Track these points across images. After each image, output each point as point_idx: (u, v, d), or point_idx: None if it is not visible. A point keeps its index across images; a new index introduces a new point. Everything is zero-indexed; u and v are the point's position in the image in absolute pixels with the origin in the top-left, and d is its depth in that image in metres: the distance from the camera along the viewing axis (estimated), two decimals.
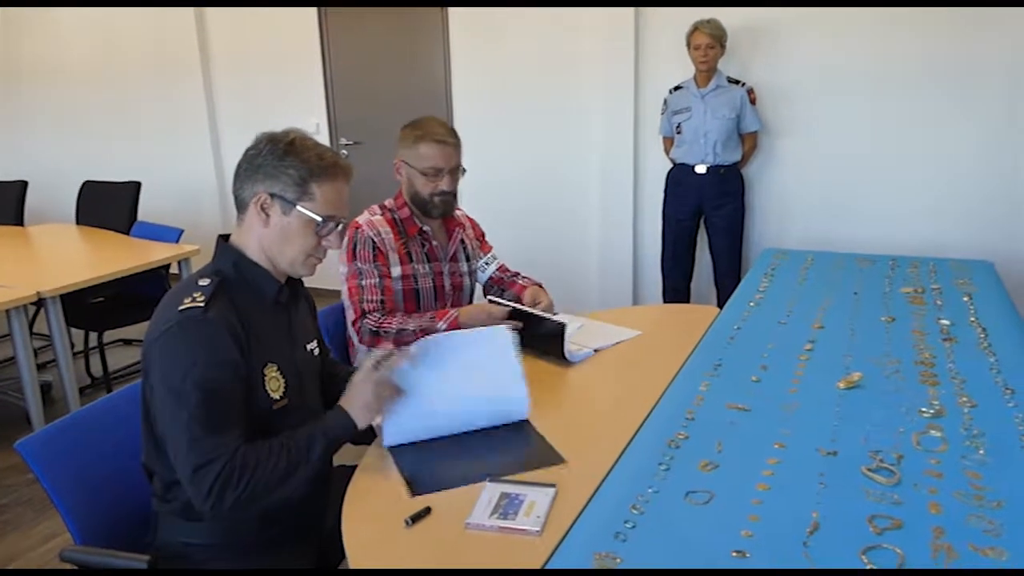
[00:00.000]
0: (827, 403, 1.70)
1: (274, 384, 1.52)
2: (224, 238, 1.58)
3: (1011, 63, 3.54)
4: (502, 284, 2.53)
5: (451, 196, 2.28)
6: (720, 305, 4.03)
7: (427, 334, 2.08)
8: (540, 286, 2.45)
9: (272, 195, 1.49)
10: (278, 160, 1.48)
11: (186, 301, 1.41)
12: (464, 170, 2.31)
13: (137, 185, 4.44)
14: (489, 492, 1.42)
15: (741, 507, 1.32)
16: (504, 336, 1.77)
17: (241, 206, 1.53)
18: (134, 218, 4.37)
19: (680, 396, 1.78)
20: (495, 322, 2.10)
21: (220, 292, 1.45)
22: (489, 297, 2.32)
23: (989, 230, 3.71)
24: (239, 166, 1.53)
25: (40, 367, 3.97)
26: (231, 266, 1.52)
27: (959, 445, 1.48)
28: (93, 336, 4.14)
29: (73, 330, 4.08)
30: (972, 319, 2.19)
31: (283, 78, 5.31)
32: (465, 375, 1.69)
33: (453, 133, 2.26)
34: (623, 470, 1.48)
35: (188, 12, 5.42)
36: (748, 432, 1.59)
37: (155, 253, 3.72)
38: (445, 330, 2.09)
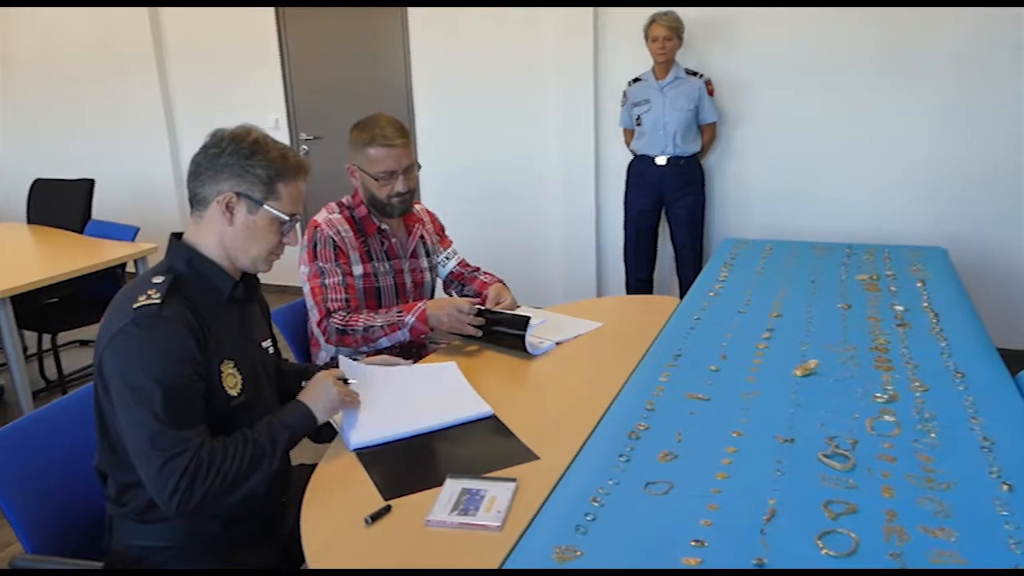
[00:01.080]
0: (784, 391, 1.72)
1: (231, 380, 1.50)
2: (177, 236, 1.55)
3: (959, 53, 3.61)
4: (462, 279, 2.51)
5: (408, 195, 2.24)
6: (682, 295, 4.10)
7: (396, 329, 2.08)
8: (502, 283, 2.45)
9: (239, 194, 1.48)
10: (244, 159, 1.47)
11: (140, 299, 1.39)
12: (419, 166, 2.28)
13: (90, 183, 4.34)
14: (450, 488, 1.41)
15: (700, 497, 1.33)
16: (453, 371, 1.91)
17: (200, 203, 1.51)
18: (88, 216, 4.27)
19: (641, 387, 1.79)
20: (461, 317, 2.11)
21: (175, 289, 1.43)
22: (458, 305, 2.22)
23: (942, 217, 3.78)
24: (197, 164, 1.50)
25: None
26: (184, 263, 1.50)
27: (911, 429, 1.51)
28: (48, 338, 4.04)
29: (27, 332, 4.02)
30: (925, 304, 2.23)
31: (241, 72, 5.23)
32: (422, 396, 1.80)
33: (402, 131, 2.19)
34: (584, 463, 1.48)
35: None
36: (707, 421, 1.60)
37: (110, 252, 3.64)
38: (413, 323, 2.09)
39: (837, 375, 1.78)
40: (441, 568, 1.23)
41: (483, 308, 2.16)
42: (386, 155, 2.17)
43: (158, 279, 1.43)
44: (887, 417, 1.56)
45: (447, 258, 2.49)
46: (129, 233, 3.81)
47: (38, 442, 1.57)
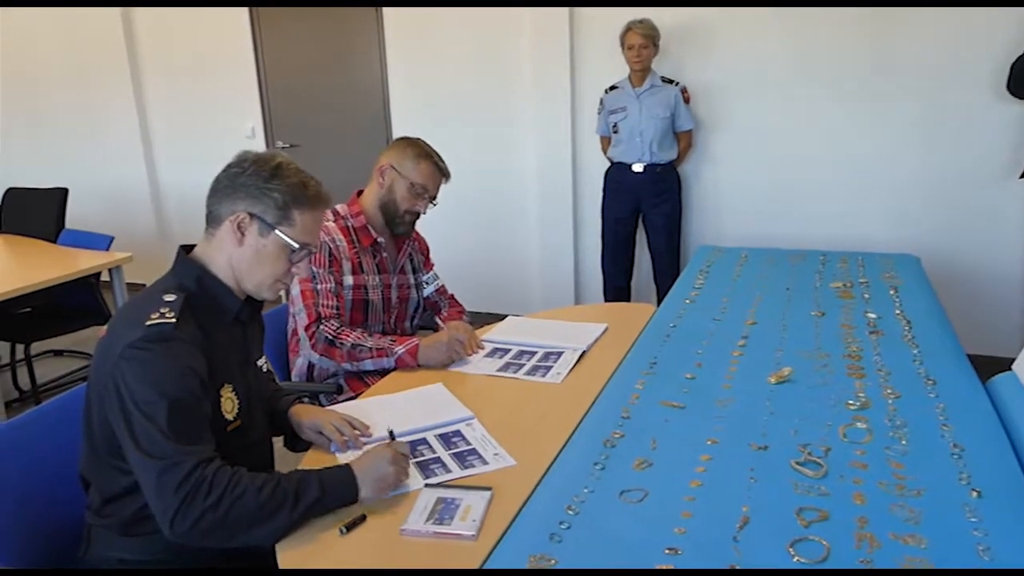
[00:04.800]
0: (759, 398, 1.73)
1: (228, 405, 1.48)
2: (185, 249, 1.54)
3: (931, 61, 3.66)
4: (435, 309, 2.52)
5: (416, 219, 2.30)
6: (659, 302, 4.12)
7: (383, 355, 2.08)
8: (463, 315, 2.48)
9: (252, 215, 1.47)
10: (263, 182, 1.46)
11: (153, 316, 1.37)
12: (436, 203, 2.31)
13: (64, 191, 4.29)
14: (425, 497, 1.41)
15: (674, 504, 1.33)
16: (439, 389, 1.92)
17: (213, 221, 1.50)
18: (62, 226, 4.23)
19: (616, 395, 1.80)
20: (456, 347, 2.10)
21: (186, 308, 1.42)
22: (456, 336, 2.16)
23: (915, 225, 3.83)
24: (218, 182, 1.49)
25: None
26: (194, 281, 1.49)
27: (883, 436, 1.52)
28: (21, 347, 3.99)
29: (1, 342, 3.96)
30: (898, 312, 2.26)
31: (216, 80, 5.20)
32: (406, 407, 1.82)
33: (448, 168, 2.30)
34: (559, 471, 1.48)
35: (114, 13, 5.26)
36: (682, 429, 1.61)
37: (84, 261, 3.60)
38: (402, 354, 2.07)
39: (811, 382, 1.80)
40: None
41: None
42: (433, 175, 2.25)
43: (170, 297, 1.42)
44: (859, 424, 1.57)
45: (427, 282, 2.49)
46: (104, 242, 3.77)
47: (10, 453, 1.55)
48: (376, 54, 4.78)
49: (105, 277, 3.65)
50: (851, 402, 1.67)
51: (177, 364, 1.35)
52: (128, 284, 3.70)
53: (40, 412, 1.65)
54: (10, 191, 4.52)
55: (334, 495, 1.38)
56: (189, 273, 1.49)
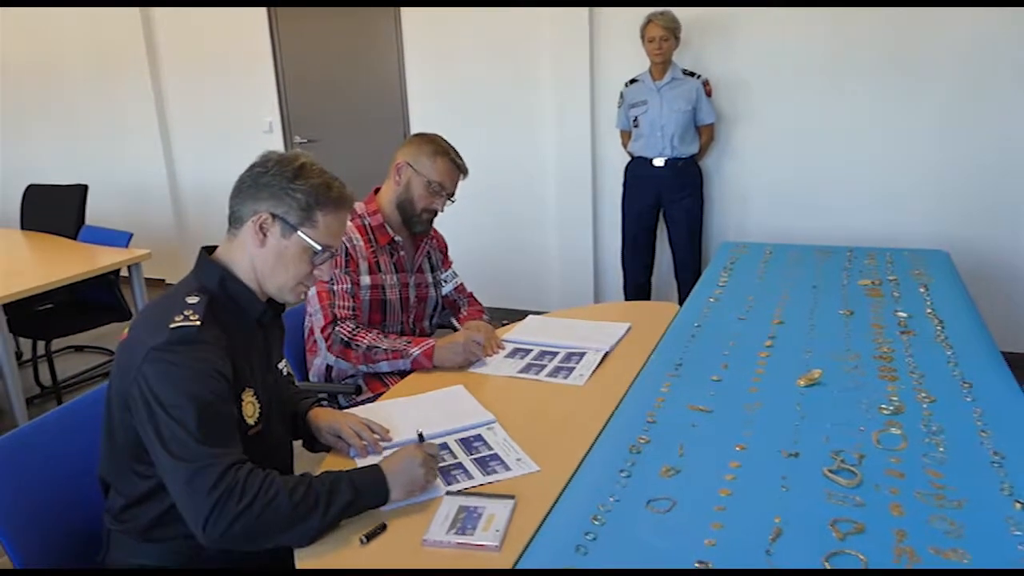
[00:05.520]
0: (788, 402, 1.68)
1: (250, 409, 1.46)
2: (208, 250, 1.52)
3: (962, 53, 3.57)
4: (454, 308, 2.49)
5: (434, 218, 2.27)
6: (681, 298, 4.08)
7: (399, 356, 2.04)
8: (482, 314, 2.43)
9: (274, 216, 1.44)
10: (287, 182, 1.43)
11: (177, 319, 1.35)
12: (454, 200, 2.27)
13: (84, 188, 4.30)
14: (446, 506, 1.38)
15: (703, 514, 1.29)
16: (460, 391, 1.88)
17: (236, 221, 1.47)
18: (82, 222, 4.24)
19: (641, 398, 1.76)
20: (474, 348, 2.06)
21: (210, 311, 1.40)
22: (473, 336, 2.12)
23: (944, 219, 3.75)
24: (242, 181, 1.47)
25: None
26: (217, 283, 1.46)
27: (919, 443, 1.47)
28: (42, 343, 4.00)
29: (23, 338, 3.98)
30: (929, 311, 2.20)
31: (234, 75, 5.19)
32: (426, 410, 1.79)
33: (465, 163, 2.26)
34: (584, 478, 1.45)
35: (133, 9, 5.26)
36: (710, 434, 1.57)
37: (104, 258, 3.61)
38: (417, 355, 2.03)
39: (841, 385, 1.75)
40: None
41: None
42: (450, 171, 2.21)
43: (193, 299, 1.40)
44: (893, 430, 1.52)
45: (445, 281, 2.46)
46: (123, 239, 3.77)
47: (26, 458, 1.53)
48: (394, 48, 4.74)
49: (124, 272, 3.65)
50: (884, 406, 1.62)
51: (204, 366, 1.33)
52: (147, 279, 3.71)
53: (61, 412, 1.64)
54: (31, 187, 4.54)
55: (366, 497, 1.36)
56: (211, 275, 1.47)
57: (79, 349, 4.45)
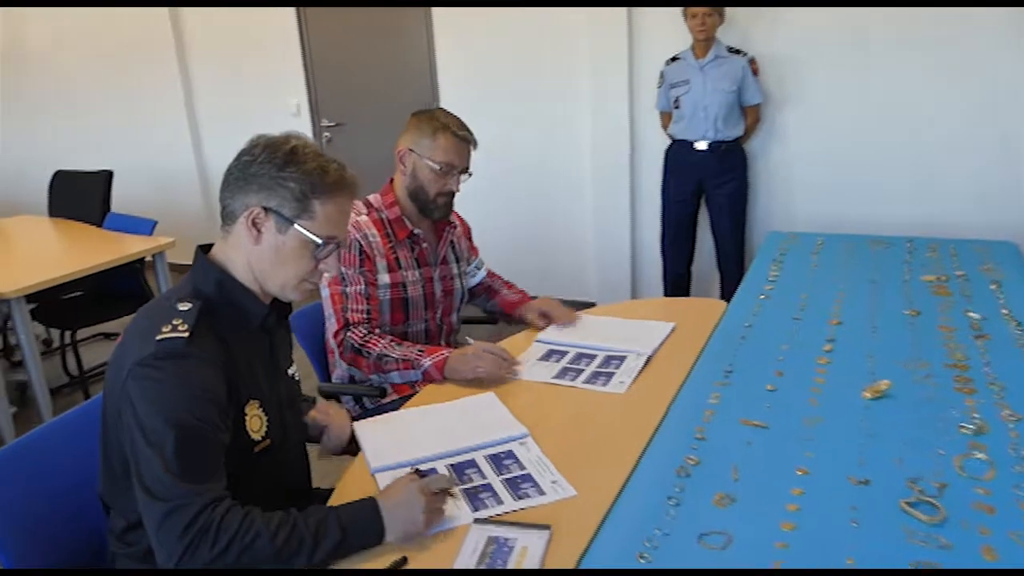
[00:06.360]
0: (852, 417, 1.52)
1: (256, 423, 1.34)
2: (204, 249, 1.38)
3: (1017, 27, 3.31)
4: (489, 293, 2.35)
5: (453, 198, 2.08)
6: (723, 290, 3.91)
7: (411, 366, 1.89)
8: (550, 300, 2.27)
9: (267, 209, 1.30)
10: (277, 170, 1.29)
11: (165, 329, 1.22)
12: (470, 173, 2.09)
13: (109, 174, 4.23)
14: (474, 537, 1.24)
15: (764, 552, 1.15)
16: (491, 400, 1.73)
17: (229, 218, 1.33)
18: (107, 208, 4.17)
19: (688, 411, 1.60)
20: (494, 359, 1.85)
21: (203, 319, 1.26)
22: (487, 348, 1.90)
23: (1008, 206, 3.51)
24: (229, 172, 1.33)
25: (17, 364, 3.82)
26: (214, 286, 1.33)
27: (1008, 471, 1.30)
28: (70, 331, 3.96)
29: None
30: (1004, 311, 2.01)
31: (261, 58, 5.07)
32: (452, 421, 1.65)
33: (470, 131, 2.06)
34: (627, 506, 1.30)
35: None
36: (766, 455, 1.41)
37: (128, 247, 3.54)
38: (428, 367, 1.86)
39: (912, 398, 1.58)
40: None
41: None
42: (456, 147, 2.02)
43: (184, 306, 1.26)
44: (978, 454, 1.35)
45: (476, 267, 2.32)
46: (147, 227, 3.70)
47: (25, 470, 1.43)
48: (423, 29, 4.58)
49: (147, 258, 3.58)
50: (965, 425, 1.45)
51: (189, 386, 1.20)
52: (177, 265, 3.62)
53: (53, 425, 1.53)
54: (58, 174, 4.48)
55: (357, 537, 1.21)
56: (207, 277, 1.34)
57: (108, 336, 4.40)
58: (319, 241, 1.32)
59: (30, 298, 3.21)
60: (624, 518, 1.27)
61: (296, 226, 1.31)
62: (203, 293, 1.32)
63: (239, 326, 1.34)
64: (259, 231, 1.31)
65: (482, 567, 1.17)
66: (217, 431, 1.23)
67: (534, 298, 2.30)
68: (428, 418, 1.68)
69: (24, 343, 3.15)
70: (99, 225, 3.95)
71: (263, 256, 1.32)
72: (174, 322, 1.23)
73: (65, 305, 3.71)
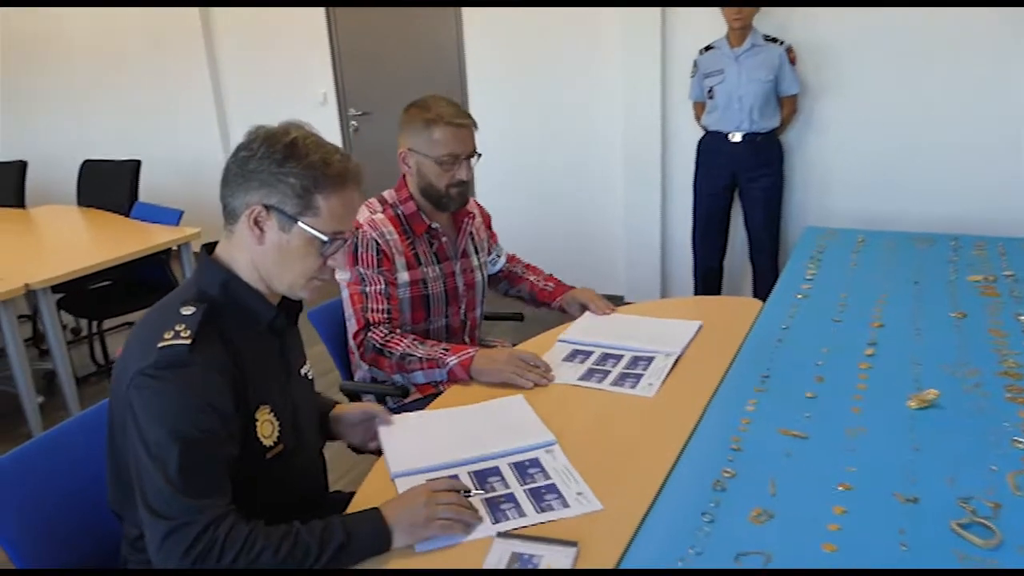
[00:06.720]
0: (898, 428, 1.44)
1: (267, 429, 1.29)
2: (209, 248, 1.33)
3: None
4: (511, 279, 2.30)
5: (467, 185, 2.00)
6: (756, 286, 3.80)
7: (435, 365, 1.83)
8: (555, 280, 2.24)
9: (268, 207, 1.24)
10: (276, 166, 1.22)
11: (167, 336, 1.17)
12: (479, 155, 2.02)
13: (137, 164, 4.24)
14: (497, 552, 1.19)
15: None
16: (520, 404, 1.66)
17: (230, 217, 1.28)
18: (135, 198, 4.18)
19: (723, 418, 1.53)
20: (520, 364, 1.78)
21: (208, 323, 1.21)
22: (521, 356, 1.83)
23: None
24: (228, 169, 1.27)
25: (46, 353, 3.84)
26: (219, 288, 1.27)
27: None
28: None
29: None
30: None
31: (289, 47, 5.04)
32: (478, 425, 1.59)
33: (467, 114, 1.96)
34: (658, 521, 1.23)
35: None
36: (807, 468, 1.34)
37: (155, 237, 3.54)
38: (454, 366, 1.81)
39: (962, 409, 1.49)
40: None
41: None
42: (452, 136, 1.92)
43: (188, 310, 1.21)
44: None
45: (498, 255, 2.26)
46: (174, 217, 3.69)
47: (41, 471, 1.40)
48: (452, 17, 4.52)
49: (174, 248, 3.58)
50: (1019, 440, 1.36)
51: (193, 397, 1.15)
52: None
53: (69, 426, 1.49)
54: (86, 163, 4.49)
55: (362, 539, 1.19)
56: (213, 278, 1.28)
57: (133, 326, 4.41)
58: (325, 238, 1.26)
59: (58, 288, 3.21)
60: (656, 534, 1.20)
61: (300, 224, 1.24)
62: (208, 295, 1.26)
63: (247, 328, 1.29)
64: (262, 230, 1.25)
65: None
66: (222, 442, 1.18)
67: (571, 288, 2.25)
68: (453, 421, 1.62)
69: (50, 333, 3.16)
70: (126, 214, 3.95)
71: (267, 256, 1.27)
72: (176, 328, 1.18)
73: (92, 295, 3.71)
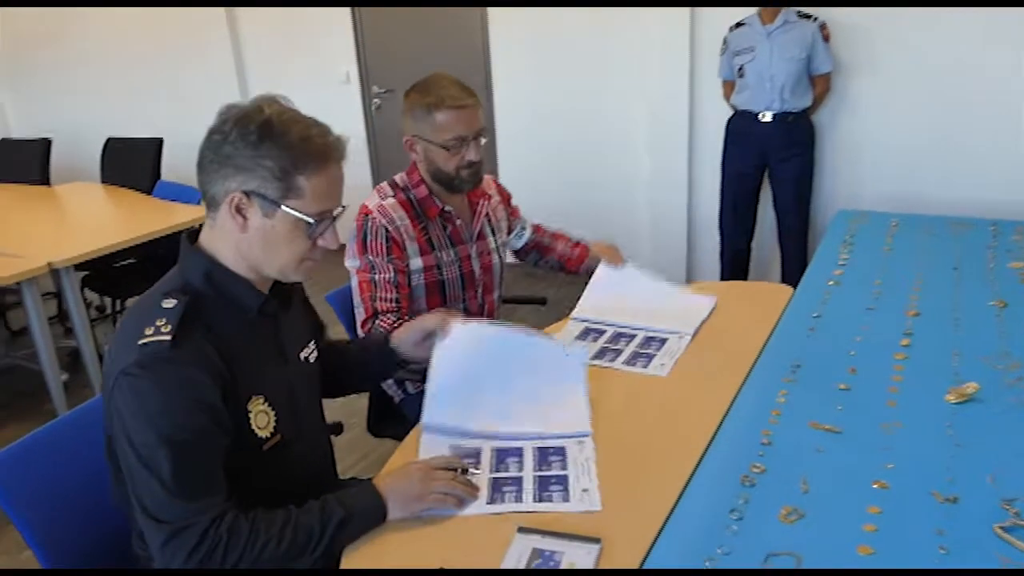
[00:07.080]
0: (936, 424, 1.38)
1: (262, 420, 1.25)
2: (193, 237, 1.28)
3: None
4: (540, 250, 2.26)
5: (479, 165, 1.92)
6: (784, 270, 3.73)
7: None
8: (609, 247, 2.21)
9: (248, 193, 1.17)
10: (252, 149, 1.15)
11: (148, 332, 1.12)
12: (485, 137, 1.94)
13: (159, 142, 4.23)
14: (517, 548, 1.15)
15: None
16: (578, 362, 1.57)
17: (211, 204, 1.22)
18: (157, 175, 4.18)
19: (753, 410, 1.48)
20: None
21: (191, 316, 1.15)
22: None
23: None
24: (202, 154, 1.20)
25: (71, 331, 3.86)
26: (202, 278, 1.22)
27: None
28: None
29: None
30: None
31: (312, 25, 4.98)
32: (525, 376, 1.52)
33: (470, 92, 1.89)
34: (685, 518, 1.19)
35: None
36: (840, 464, 1.29)
37: (177, 216, 3.53)
38: None
39: (1003, 403, 1.43)
40: None
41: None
42: (456, 118, 1.85)
43: (169, 303, 1.16)
44: None
45: (523, 228, 2.22)
46: (195, 196, 3.67)
47: (57, 457, 1.39)
48: None
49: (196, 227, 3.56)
50: None
51: (177, 395, 1.12)
52: None
53: (80, 412, 1.47)
54: (110, 140, 4.49)
55: (360, 515, 1.21)
56: (196, 268, 1.22)
57: None
58: (311, 220, 1.20)
59: (82, 266, 3.22)
60: (682, 532, 1.16)
61: (283, 208, 1.18)
62: (192, 286, 1.21)
63: (234, 318, 1.24)
64: (244, 217, 1.19)
65: None
66: (212, 438, 1.15)
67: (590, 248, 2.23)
68: (508, 366, 1.52)
69: (74, 311, 3.17)
70: (149, 192, 3.95)
71: (253, 243, 1.21)
72: (157, 323, 1.13)
73: (116, 273, 3.72)
